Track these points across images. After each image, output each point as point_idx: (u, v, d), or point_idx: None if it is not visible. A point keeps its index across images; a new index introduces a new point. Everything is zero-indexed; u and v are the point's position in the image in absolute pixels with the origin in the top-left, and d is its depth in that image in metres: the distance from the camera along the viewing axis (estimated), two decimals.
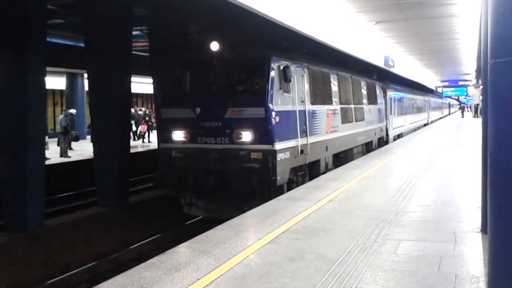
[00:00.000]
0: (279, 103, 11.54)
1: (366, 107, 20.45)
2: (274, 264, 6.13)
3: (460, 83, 63.37)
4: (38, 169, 12.33)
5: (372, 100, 21.94)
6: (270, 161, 11.00)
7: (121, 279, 5.71)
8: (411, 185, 11.67)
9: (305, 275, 5.73)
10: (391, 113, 26.50)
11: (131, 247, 12.38)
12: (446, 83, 63.54)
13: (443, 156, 18.03)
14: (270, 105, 11.15)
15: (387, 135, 25.52)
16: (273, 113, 11.23)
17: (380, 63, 24.55)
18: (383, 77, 26.49)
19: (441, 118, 62.43)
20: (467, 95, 75.96)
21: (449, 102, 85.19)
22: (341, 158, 16.72)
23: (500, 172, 3.56)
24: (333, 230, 7.71)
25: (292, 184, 12.29)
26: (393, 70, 27.22)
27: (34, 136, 12.12)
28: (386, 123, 25.33)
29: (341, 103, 16.53)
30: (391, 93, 26.71)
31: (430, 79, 52.37)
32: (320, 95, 14.49)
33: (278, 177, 11.20)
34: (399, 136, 29.37)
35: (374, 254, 6.44)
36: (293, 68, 12.33)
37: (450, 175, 13.30)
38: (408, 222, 8.16)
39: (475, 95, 56.82)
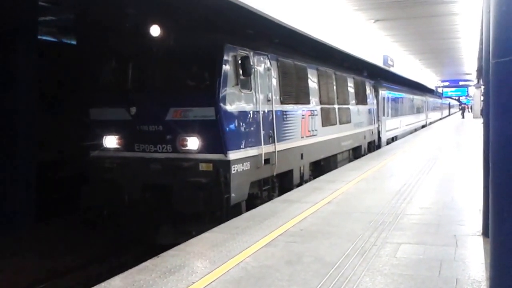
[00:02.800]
0: (235, 102, 9.71)
1: (353, 107, 18.68)
2: (271, 268, 6.14)
3: (460, 83, 63.50)
4: (29, 168, 12.30)
5: (361, 99, 20.20)
6: (222, 174, 9.20)
7: (114, 283, 5.72)
8: (410, 187, 11.70)
9: (303, 278, 5.75)
10: (384, 114, 24.90)
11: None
12: (447, 83, 63.67)
13: (441, 159, 18.06)
14: (221, 104, 9.27)
15: (379, 138, 24.01)
16: (227, 115, 9.41)
17: (379, 62, 24.57)
18: (376, 75, 25.26)
19: (440, 119, 61.99)
20: (467, 95, 76.13)
21: (449, 103, 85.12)
22: (322, 167, 15.02)
23: (502, 174, 3.58)
24: (331, 233, 7.73)
25: (255, 200, 10.61)
26: (386, 67, 26.25)
27: (25, 134, 12.11)
28: (378, 126, 23.79)
29: (321, 102, 14.72)
30: (384, 92, 25.15)
31: (429, 78, 52.46)
32: (294, 93, 12.63)
33: (233, 194, 9.38)
34: (393, 139, 28.00)
35: (373, 258, 6.46)
36: (255, 59, 10.54)
37: (450, 177, 13.34)
38: (408, 225, 8.19)
39: (476, 95, 56.93)
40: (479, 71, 36.28)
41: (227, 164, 9.35)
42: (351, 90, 18.63)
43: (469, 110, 79.07)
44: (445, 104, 76.40)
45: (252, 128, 10.26)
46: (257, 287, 5.51)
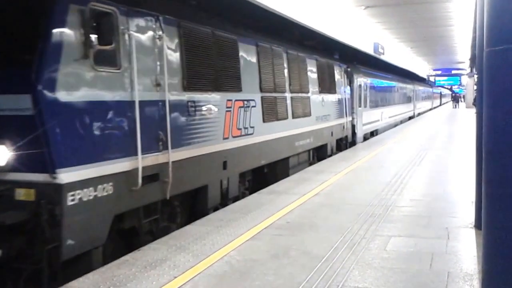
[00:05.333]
0: (79, 86, 6.27)
1: (315, 96, 15.56)
2: (256, 261, 6.13)
3: (453, 72, 63.91)
4: None
5: (328, 87, 17.01)
6: (45, 208, 5.87)
7: (93, 277, 5.68)
8: (401, 178, 11.75)
9: (290, 272, 5.74)
10: (360, 105, 21.90)
11: None
12: (439, 72, 64.02)
13: (432, 151, 18.15)
14: (46, 91, 5.86)
15: (354, 133, 20.97)
16: (57, 107, 5.98)
17: (369, 50, 24.51)
18: (353, 58, 22.69)
19: (430, 109, 60.39)
20: (460, 84, 76.57)
21: (441, 92, 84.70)
22: (266, 175, 12.27)
23: (495, 165, 3.59)
24: (319, 225, 7.74)
25: (135, 238, 7.44)
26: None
27: None
28: (353, 119, 20.78)
29: (263, 90, 11.53)
30: (361, 79, 22.16)
31: (420, 67, 52.63)
32: (211, 76, 9.26)
33: (69, 241, 5.98)
34: (372, 134, 25.08)
35: (362, 251, 6.47)
36: (131, 20, 7.08)
37: (442, 169, 13.43)
38: (399, 217, 8.22)
39: (469, 84, 57.31)
40: (472, 59, 36.47)
41: (57, 190, 5.93)
42: (312, 75, 15.45)
43: (462, 99, 79.38)
44: (437, 93, 75.78)
45: (118, 129, 6.80)
46: (242, 282, 5.49)
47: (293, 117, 13.44)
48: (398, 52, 34.12)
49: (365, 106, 22.93)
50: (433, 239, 6.98)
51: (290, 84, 13.33)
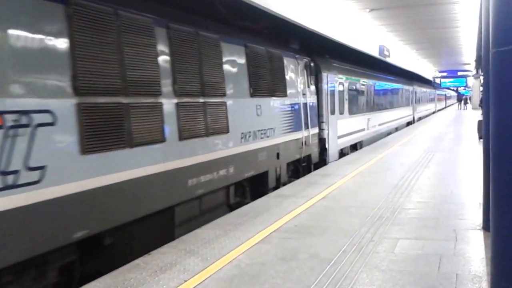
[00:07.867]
0: None
1: (241, 102, 10.37)
2: (265, 265, 6.17)
3: (459, 73, 63.68)
4: None
5: (269, 88, 11.75)
6: None
7: (104, 281, 5.73)
8: (408, 180, 11.74)
9: (298, 276, 5.78)
10: (333, 112, 16.75)
11: None
12: (444, 74, 63.80)
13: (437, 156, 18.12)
14: None
15: (323, 150, 15.79)
16: None
17: (374, 53, 24.47)
18: (326, 51, 17.75)
19: (433, 113, 56.31)
20: (466, 86, 76.27)
21: (445, 94, 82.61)
22: (108, 251, 7.04)
23: (503, 167, 3.61)
24: (327, 228, 7.76)
25: None
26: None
27: None
28: (322, 130, 15.71)
29: (81, 91, 6.04)
30: (334, 78, 17.07)
31: (425, 68, 52.46)
32: None
33: None
34: (354, 148, 20.04)
35: (370, 254, 6.49)
36: None
37: (449, 171, 13.42)
38: (406, 219, 8.23)
39: (475, 86, 57.16)
40: (478, 61, 36.34)
41: None
42: (234, 69, 10.23)
43: (468, 101, 78.85)
44: (441, 95, 73.66)
45: None
46: (251, 285, 5.53)
47: (182, 137, 8.17)
48: (403, 54, 34.01)
49: (341, 113, 17.78)
50: (441, 241, 6.99)
51: (174, 82, 8.06)
